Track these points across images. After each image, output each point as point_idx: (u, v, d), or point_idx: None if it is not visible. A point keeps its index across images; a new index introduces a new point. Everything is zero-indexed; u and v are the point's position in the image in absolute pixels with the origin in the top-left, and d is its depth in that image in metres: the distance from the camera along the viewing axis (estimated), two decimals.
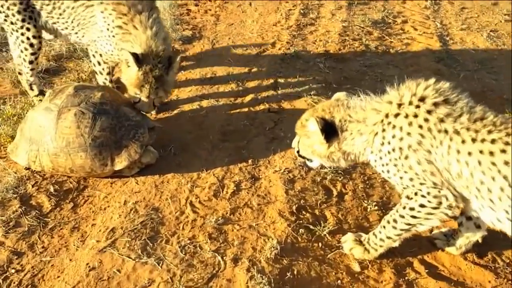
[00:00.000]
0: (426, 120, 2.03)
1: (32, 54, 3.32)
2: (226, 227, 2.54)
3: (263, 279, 2.22)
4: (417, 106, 2.05)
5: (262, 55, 4.31)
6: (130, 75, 2.93)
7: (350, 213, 2.70)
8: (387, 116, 2.11)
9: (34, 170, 2.85)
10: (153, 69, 2.91)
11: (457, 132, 1.99)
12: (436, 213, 2.11)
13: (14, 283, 2.22)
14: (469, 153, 1.96)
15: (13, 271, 2.29)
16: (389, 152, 2.11)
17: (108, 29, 3.02)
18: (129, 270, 2.26)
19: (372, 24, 4.98)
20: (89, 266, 2.27)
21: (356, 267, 2.39)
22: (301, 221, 2.58)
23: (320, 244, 2.49)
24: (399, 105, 2.08)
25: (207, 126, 3.32)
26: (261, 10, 5.27)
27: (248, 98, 3.66)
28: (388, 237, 2.30)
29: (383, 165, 2.16)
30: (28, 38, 3.26)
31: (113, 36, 3.01)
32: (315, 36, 4.72)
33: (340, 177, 2.94)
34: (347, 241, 2.45)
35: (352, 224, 2.62)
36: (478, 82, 4.05)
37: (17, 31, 3.25)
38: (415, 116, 2.05)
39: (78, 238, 2.47)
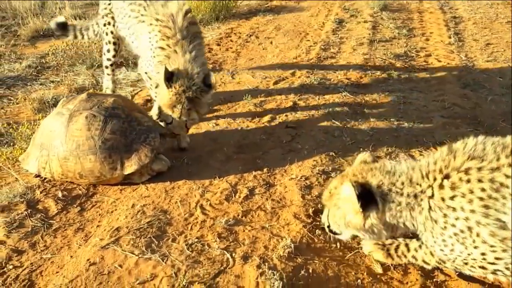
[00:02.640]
0: (483, 190, 1.83)
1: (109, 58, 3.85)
2: (237, 228, 2.37)
3: (274, 275, 2.02)
4: (468, 181, 1.84)
5: (282, 82, 4.30)
6: (163, 94, 2.89)
7: None
8: (443, 199, 1.88)
9: (45, 178, 2.80)
10: (186, 90, 2.86)
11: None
12: None
13: (10, 277, 2.10)
14: None
15: (11, 267, 2.18)
16: (455, 234, 1.88)
17: (151, 49, 3.06)
18: (131, 265, 2.11)
19: (394, 57, 4.95)
20: (90, 262, 2.13)
21: (378, 269, 2.16)
22: (318, 223, 2.40)
23: (338, 245, 2.29)
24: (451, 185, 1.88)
25: (222, 141, 3.24)
26: (282, 47, 5.33)
27: (266, 117, 3.59)
28: (426, 262, 2.10)
29: (445, 245, 1.93)
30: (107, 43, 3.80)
31: (154, 57, 3.04)
32: (336, 67, 4.70)
33: None
34: (366, 244, 2.25)
35: None
36: (507, 105, 3.88)
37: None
38: (471, 192, 1.83)
39: (82, 238, 2.35)
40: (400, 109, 3.75)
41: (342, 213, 2.04)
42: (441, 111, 3.70)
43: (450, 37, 5.57)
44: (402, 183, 1.96)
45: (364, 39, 5.53)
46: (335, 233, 2.18)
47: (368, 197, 1.95)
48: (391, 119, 3.55)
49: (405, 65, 4.72)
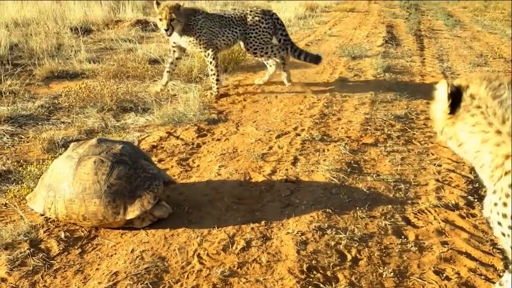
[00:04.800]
0: None
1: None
2: (232, 279, 2.44)
3: None
4: None
5: (284, 136, 4.44)
6: None
7: (364, 277, 2.56)
8: None
9: (49, 219, 2.89)
10: None
11: None
12: None
13: None
14: None
15: None
16: None
17: None
18: None
19: (394, 118, 5.10)
20: None
21: None
22: (311, 279, 2.46)
23: None
24: None
25: (223, 191, 3.35)
26: (286, 101, 5.52)
27: (267, 170, 3.70)
28: None
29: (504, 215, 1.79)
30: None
31: None
32: (337, 124, 4.86)
33: (355, 244, 2.83)
34: None
35: None
36: None
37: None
38: None
39: (80, 280, 2.42)
40: (398, 170, 3.86)
41: (436, 109, 1.95)
42: (436, 175, 3.81)
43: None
44: (494, 114, 1.78)
45: (366, 99, 5.72)
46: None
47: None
48: (388, 180, 3.65)
49: (405, 127, 4.87)
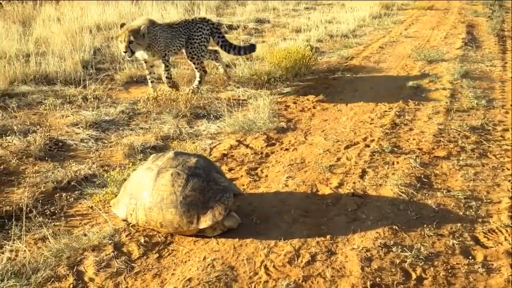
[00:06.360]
0: None
1: None
2: None
3: None
4: None
5: (353, 147, 4.47)
6: None
7: None
8: None
9: (130, 223, 3.15)
10: None
11: None
12: None
13: None
14: None
15: None
16: None
17: None
18: None
19: (470, 129, 4.95)
20: None
21: None
22: None
23: None
24: None
25: (290, 203, 3.46)
26: (357, 110, 5.53)
27: (334, 182, 3.76)
28: None
29: None
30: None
31: None
32: (408, 135, 4.80)
33: (420, 262, 2.84)
34: None
35: None
36: None
37: None
38: None
39: (158, 284, 2.63)
40: (470, 186, 3.77)
41: None
42: (511, 193, 3.68)
43: None
44: None
45: (441, 108, 5.59)
46: None
47: None
48: (459, 196, 3.59)
49: (480, 139, 4.71)
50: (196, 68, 6.02)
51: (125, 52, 5.40)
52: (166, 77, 5.88)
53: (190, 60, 6.00)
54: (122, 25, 5.62)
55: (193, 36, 5.93)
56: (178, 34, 5.86)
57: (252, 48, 6.33)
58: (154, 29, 5.57)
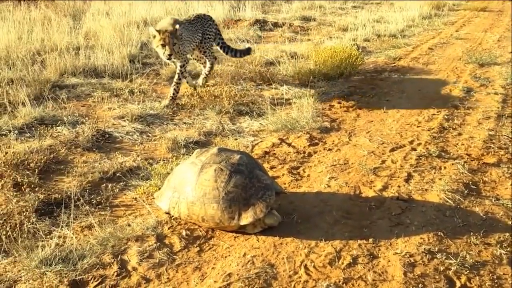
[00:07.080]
0: None
1: None
2: None
3: None
4: None
5: (398, 150, 4.37)
6: None
7: None
8: None
9: (172, 216, 3.20)
10: None
11: None
12: None
13: None
14: None
15: None
16: None
17: None
18: None
19: None
20: None
21: None
22: None
23: None
24: None
25: (332, 203, 3.42)
26: (403, 112, 5.40)
27: (378, 185, 3.69)
28: None
29: None
30: None
31: None
32: (457, 140, 4.65)
33: (466, 271, 2.74)
34: None
35: None
36: None
37: None
38: None
39: (199, 277, 2.66)
40: None
41: None
42: None
43: None
44: None
45: (492, 113, 5.39)
46: None
47: None
48: (508, 205, 3.44)
49: None
50: (207, 59, 6.17)
51: (170, 55, 5.28)
52: (182, 74, 5.74)
53: (203, 54, 6.14)
54: (158, 31, 5.27)
55: (207, 32, 6.05)
56: (196, 29, 5.92)
57: (247, 51, 6.45)
58: (181, 29, 5.58)
